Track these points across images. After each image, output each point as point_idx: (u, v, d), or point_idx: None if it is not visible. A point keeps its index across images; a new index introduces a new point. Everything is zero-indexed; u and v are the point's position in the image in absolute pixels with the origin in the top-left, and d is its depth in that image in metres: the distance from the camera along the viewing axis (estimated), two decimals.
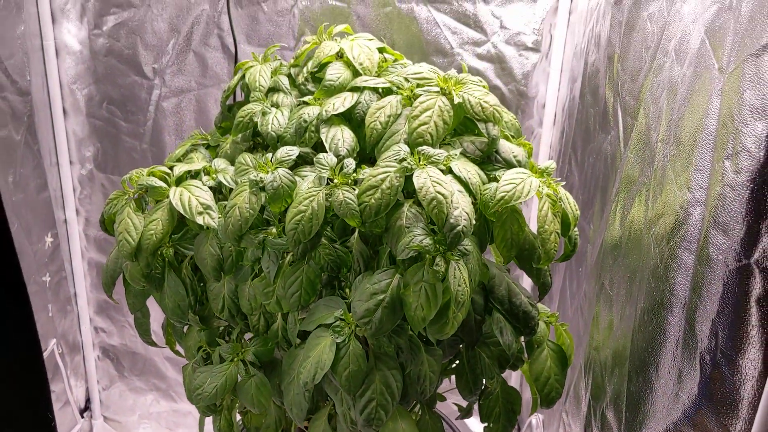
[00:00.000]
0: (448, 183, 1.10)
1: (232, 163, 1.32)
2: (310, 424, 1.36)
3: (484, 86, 1.24)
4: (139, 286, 1.26)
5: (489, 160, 1.23)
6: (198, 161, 1.34)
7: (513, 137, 1.29)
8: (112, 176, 2.24)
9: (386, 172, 1.12)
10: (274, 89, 1.34)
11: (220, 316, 1.29)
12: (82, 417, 2.53)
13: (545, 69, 2.04)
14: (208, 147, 1.43)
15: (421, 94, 1.20)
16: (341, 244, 1.21)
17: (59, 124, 2.17)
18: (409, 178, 1.12)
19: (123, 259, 1.23)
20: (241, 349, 1.25)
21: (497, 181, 1.18)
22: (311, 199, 1.13)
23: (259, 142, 1.34)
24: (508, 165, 1.22)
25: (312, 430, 1.36)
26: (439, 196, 1.08)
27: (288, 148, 1.20)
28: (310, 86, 1.33)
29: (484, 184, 1.18)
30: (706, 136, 0.83)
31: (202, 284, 1.30)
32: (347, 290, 1.22)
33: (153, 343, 1.41)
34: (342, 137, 1.21)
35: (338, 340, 1.14)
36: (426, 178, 1.10)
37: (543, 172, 1.20)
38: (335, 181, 1.14)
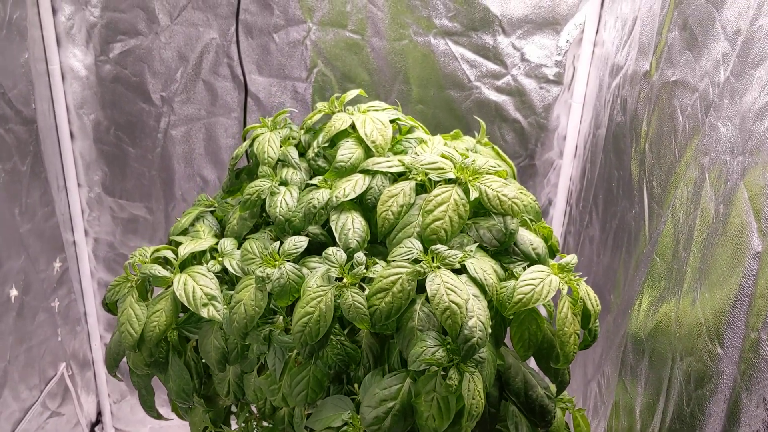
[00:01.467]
0: (462, 289, 1.05)
1: (239, 239, 1.27)
2: None
3: (501, 174, 1.18)
4: (143, 373, 1.23)
5: (506, 252, 1.17)
6: (204, 234, 1.30)
7: (532, 221, 1.23)
8: (120, 200, 2.20)
9: (398, 275, 1.07)
10: (283, 163, 1.28)
11: (225, 399, 1.26)
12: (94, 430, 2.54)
13: (567, 101, 1.96)
14: (213, 211, 1.38)
15: (435, 181, 1.14)
16: (350, 338, 1.16)
17: (66, 147, 2.12)
18: (422, 280, 1.06)
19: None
20: None
21: (515, 277, 1.13)
22: (319, 299, 1.08)
23: (267, 218, 1.28)
24: (526, 258, 1.16)
25: None
26: (453, 306, 1.03)
27: (296, 239, 1.15)
28: (321, 161, 1.27)
29: (500, 281, 1.13)
30: (741, 297, 0.77)
31: (207, 367, 1.26)
32: (356, 385, 1.17)
33: (160, 417, 1.38)
34: (353, 227, 1.15)
35: None
36: (439, 285, 1.04)
37: (563, 268, 1.14)
38: (344, 280, 1.09)
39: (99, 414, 2.60)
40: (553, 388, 1.25)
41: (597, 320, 1.18)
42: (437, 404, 1.06)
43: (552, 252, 1.24)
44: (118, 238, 2.27)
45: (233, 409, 1.37)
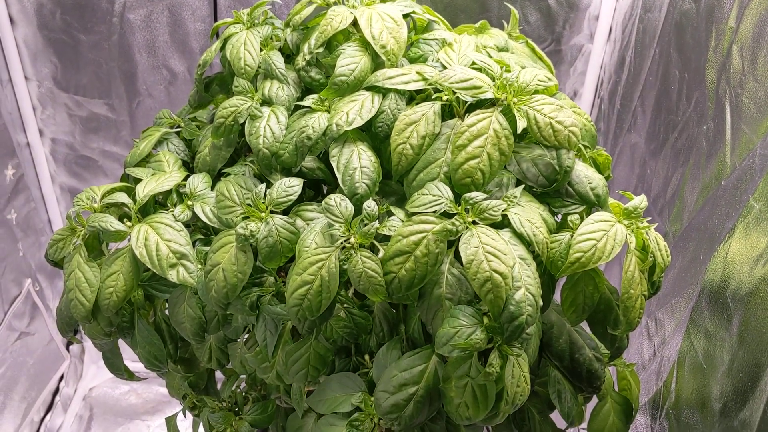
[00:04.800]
0: (507, 253, 0.80)
1: (213, 175, 1.01)
2: None
3: (551, 90, 0.90)
4: (102, 341, 1.00)
5: (557, 193, 0.91)
6: (169, 165, 1.03)
7: (587, 148, 0.96)
8: (76, 96, 1.88)
9: (422, 233, 0.82)
10: (265, 73, 0.99)
11: (208, 366, 1.04)
12: (71, 344, 2.36)
13: None
14: (179, 131, 1.10)
15: (467, 102, 0.87)
16: (358, 301, 0.93)
17: (7, 34, 1.79)
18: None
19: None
20: (235, 417, 1.01)
21: (570, 228, 0.88)
22: (320, 265, 0.83)
23: (247, 144, 1.01)
24: (583, 200, 0.90)
25: None
26: (496, 276, 0.79)
27: (287, 183, 0.88)
28: (314, 72, 0.98)
29: (551, 231, 0.88)
30: None
31: None
32: (366, 356, 0.95)
33: (132, 377, 1.17)
34: (359, 165, 0.88)
35: None
36: (477, 248, 0.80)
37: (630, 213, 0.89)
38: (352, 240, 0.84)
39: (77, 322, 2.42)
40: (603, 349, 1.04)
41: (663, 273, 0.95)
42: (472, 391, 0.85)
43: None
44: (77, 138, 1.98)
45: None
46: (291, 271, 0.84)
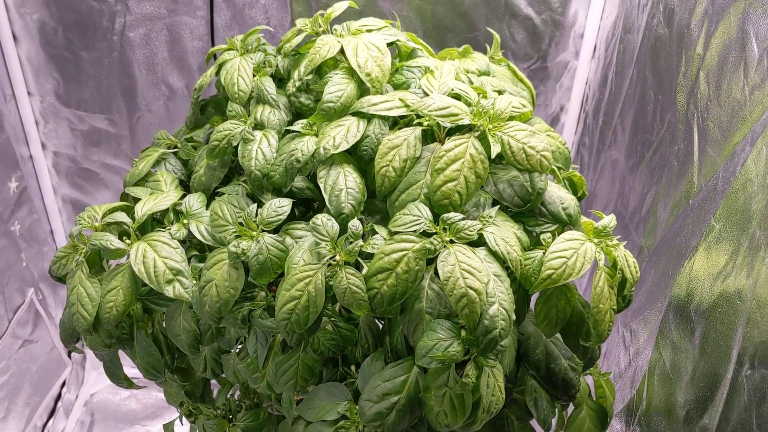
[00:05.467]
0: (481, 271, 0.86)
1: (208, 194, 1.06)
2: None
3: (526, 116, 0.96)
4: (103, 352, 1.05)
5: (532, 212, 0.97)
6: (166, 185, 1.08)
7: (561, 170, 1.02)
8: (77, 111, 1.94)
9: (403, 251, 0.87)
10: (257, 98, 1.05)
11: (203, 375, 1.09)
12: (72, 354, 2.41)
13: None
14: (176, 152, 1.16)
15: (446, 128, 0.93)
16: (344, 315, 0.98)
17: (10, 51, 1.85)
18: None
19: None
20: (229, 425, 1.07)
21: (542, 246, 0.94)
22: (307, 281, 0.89)
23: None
24: (555, 219, 0.96)
25: None
26: (471, 292, 0.85)
27: (277, 204, 0.94)
28: (303, 98, 1.04)
29: (525, 249, 0.94)
30: None
31: None
32: (353, 367, 1.01)
33: (131, 386, 1.22)
34: (345, 186, 0.94)
35: None
36: (453, 266, 0.85)
37: (600, 232, 0.95)
38: (337, 258, 0.89)
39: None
40: (579, 360, 1.10)
41: (633, 287, 1.00)
42: (450, 400, 0.90)
43: (580, 199, 1.04)
44: (79, 151, 2.03)
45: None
46: (280, 286, 0.90)
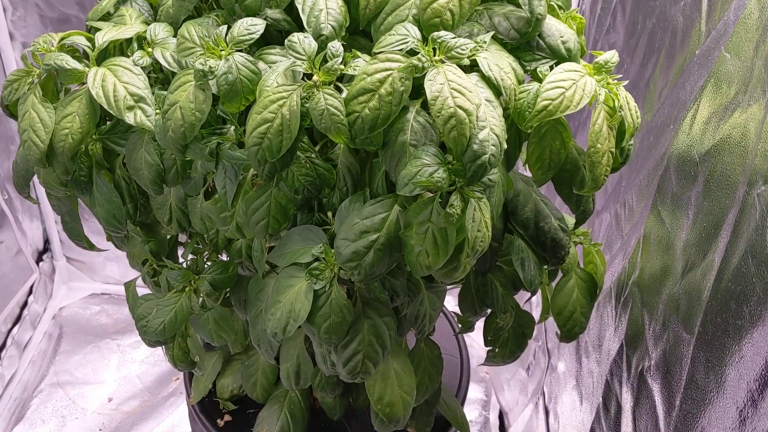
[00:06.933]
0: (473, 91, 0.78)
1: (175, 26, 0.98)
2: (282, 347, 1.15)
3: None
4: (60, 195, 0.97)
5: (528, 45, 0.89)
6: (131, 20, 0.99)
7: (561, 8, 0.94)
8: None
9: (387, 71, 0.80)
10: None
11: (167, 228, 1.02)
12: (41, 261, 2.33)
13: None
14: None
15: None
16: (322, 155, 0.91)
17: None
18: (418, 79, 0.80)
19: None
20: (194, 276, 0.99)
21: (538, 79, 0.86)
22: (281, 103, 0.81)
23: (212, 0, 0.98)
24: (554, 54, 0.89)
25: (284, 355, 1.15)
26: (460, 112, 0.77)
27: (249, 21, 0.86)
28: None
29: (520, 83, 0.86)
30: None
31: None
32: (330, 214, 0.94)
33: (92, 247, 1.15)
34: (325, 6, 0.86)
35: (317, 287, 0.88)
36: (442, 85, 0.78)
37: (601, 68, 0.87)
38: (315, 78, 0.81)
39: (46, 242, 2.38)
40: (569, 220, 1.04)
41: (632, 137, 0.93)
42: (432, 237, 0.83)
43: (582, 51, 0.97)
44: None
45: (180, 238, 1.14)
46: (251, 110, 0.82)
